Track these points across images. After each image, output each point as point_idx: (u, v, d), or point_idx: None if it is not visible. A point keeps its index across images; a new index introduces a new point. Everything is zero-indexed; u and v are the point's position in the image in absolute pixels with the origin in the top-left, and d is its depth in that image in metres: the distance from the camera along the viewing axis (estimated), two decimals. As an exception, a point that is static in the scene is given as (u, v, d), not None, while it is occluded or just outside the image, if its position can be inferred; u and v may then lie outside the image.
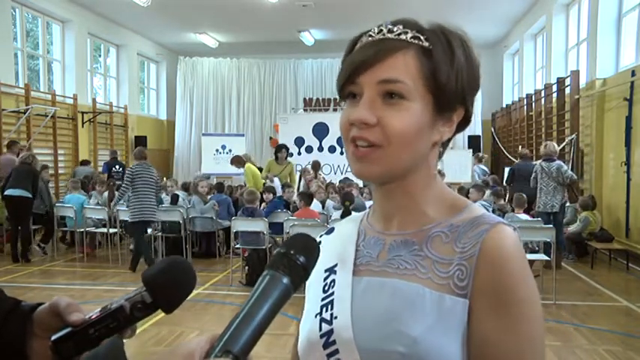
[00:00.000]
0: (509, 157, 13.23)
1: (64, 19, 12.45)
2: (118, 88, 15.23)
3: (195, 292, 6.20)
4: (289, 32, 14.62)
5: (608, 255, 7.84)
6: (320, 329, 0.81)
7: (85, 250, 8.11)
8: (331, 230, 0.96)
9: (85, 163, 11.06)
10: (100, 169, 12.31)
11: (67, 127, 12.26)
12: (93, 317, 0.69)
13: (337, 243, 0.90)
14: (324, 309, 0.82)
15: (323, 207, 7.87)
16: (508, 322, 0.73)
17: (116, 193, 8.18)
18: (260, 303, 0.62)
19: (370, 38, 0.80)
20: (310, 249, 0.68)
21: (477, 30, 13.70)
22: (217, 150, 15.02)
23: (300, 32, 14.76)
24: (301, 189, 8.99)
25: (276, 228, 6.60)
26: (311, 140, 13.48)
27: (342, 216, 6.23)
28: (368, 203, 7.29)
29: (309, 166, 10.14)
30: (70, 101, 12.27)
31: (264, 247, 6.40)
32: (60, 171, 11.63)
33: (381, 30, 0.79)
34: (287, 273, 0.65)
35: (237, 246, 6.74)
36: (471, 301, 0.74)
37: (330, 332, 0.80)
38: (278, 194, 8.13)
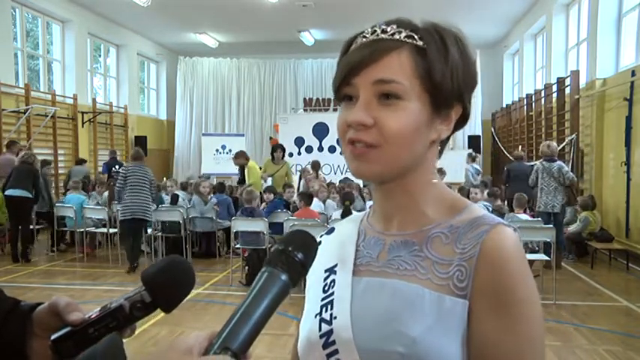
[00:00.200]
0: (510, 157, 13.22)
1: (64, 19, 12.45)
2: (118, 88, 15.23)
3: (195, 292, 6.21)
4: (289, 32, 14.63)
5: (608, 255, 7.84)
6: (320, 329, 0.81)
7: (85, 250, 8.11)
8: (331, 230, 0.96)
9: (80, 162, 10.92)
10: (100, 169, 12.32)
11: (67, 127, 12.26)
12: (92, 317, 0.69)
13: (337, 243, 0.90)
14: (324, 309, 0.82)
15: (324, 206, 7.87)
16: (508, 323, 0.73)
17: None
18: (258, 300, 0.62)
19: (364, 39, 0.80)
20: (308, 245, 0.68)
21: (477, 30, 13.70)
22: (217, 150, 15.04)
23: (300, 32, 14.77)
24: (301, 189, 8.99)
25: (276, 228, 6.60)
26: (311, 140, 13.48)
27: (343, 216, 6.24)
28: (368, 203, 7.30)
29: (309, 166, 10.14)
30: (70, 101, 12.27)
31: (264, 247, 6.40)
32: (60, 171, 11.63)
33: (375, 30, 0.79)
34: (285, 270, 0.65)
35: (237, 246, 6.74)
36: (470, 302, 0.74)
37: (330, 332, 0.80)
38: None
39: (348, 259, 0.86)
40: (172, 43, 16.75)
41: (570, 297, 5.87)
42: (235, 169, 10.31)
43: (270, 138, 14.96)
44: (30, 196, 7.66)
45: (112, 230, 8.01)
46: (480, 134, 14.87)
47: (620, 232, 8.20)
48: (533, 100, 12.45)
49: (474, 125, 14.72)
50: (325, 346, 0.79)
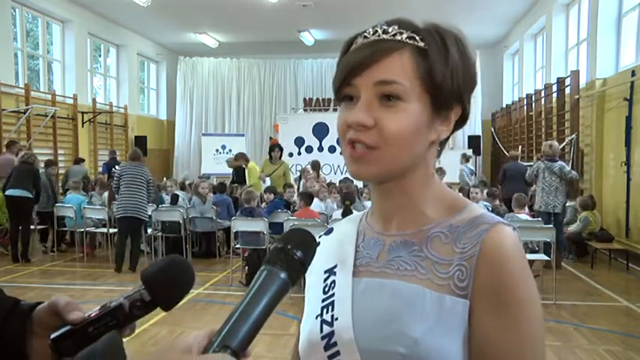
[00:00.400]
0: (511, 152, 13.21)
1: (64, 19, 12.45)
2: (118, 88, 15.23)
3: (195, 292, 6.22)
4: (289, 32, 14.63)
5: (608, 255, 7.84)
6: (321, 331, 0.81)
7: (85, 250, 8.11)
8: (330, 231, 0.96)
9: (78, 161, 10.84)
10: (100, 169, 12.32)
11: (67, 127, 12.26)
12: (92, 315, 0.69)
13: (336, 244, 0.90)
14: (325, 310, 0.82)
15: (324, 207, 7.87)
16: (508, 322, 0.73)
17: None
18: (258, 298, 0.62)
19: (365, 39, 0.79)
20: (307, 244, 0.68)
21: (477, 30, 13.71)
22: (217, 150, 15.06)
23: (300, 32, 14.77)
24: (301, 189, 8.99)
25: (276, 228, 6.60)
26: (311, 140, 13.49)
27: (343, 216, 6.24)
28: (367, 203, 7.30)
29: (309, 166, 10.14)
30: (70, 101, 12.27)
31: (264, 247, 6.40)
32: (60, 171, 11.62)
33: (376, 31, 0.79)
34: (284, 268, 0.64)
35: (237, 246, 6.75)
36: (471, 302, 0.74)
37: (331, 334, 0.80)
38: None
39: (348, 260, 0.86)
40: (172, 43, 16.75)
41: (570, 297, 5.87)
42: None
43: (270, 138, 14.97)
44: (30, 196, 7.65)
45: (112, 230, 8.00)
46: (480, 134, 14.88)
47: (620, 232, 8.20)
48: (533, 100, 12.45)
49: (474, 125, 14.73)
50: (327, 347, 0.80)
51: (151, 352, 0.63)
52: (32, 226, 8.44)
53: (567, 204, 7.88)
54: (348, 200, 6.66)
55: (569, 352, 4.25)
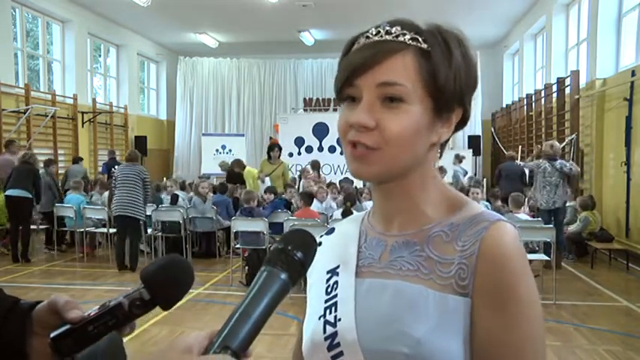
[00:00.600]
0: (508, 152, 13.23)
1: (64, 19, 12.46)
2: (118, 88, 15.23)
3: (195, 292, 6.22)
4: (289, 32, 14.63)
5: (608, 255, 7.84)
6: (324, 331, 0.81)
7: (85, 250, 8.11)
8: (331, 230, 0.96)
9: (77, 160, 10.78)
10: (100, 169, 12.32)
11: (67, 127, 12.27)
12: (92, 314, 0.69)
13: (338, 244, 0.90)
14: (328, 311, 0.82)
15: (323, 207, 7.87)
16: (508, 320, 0.73)
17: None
18: (258, 299, 0.62)
19: (368, 39, 0.79)
20: (308, 245, 0.68)
21: (477, 30, 13.71)
22: (217, 150, 15.06)
23: (300, 32, 14.77)
24: (301, 189, 8.98)
25: (277, 228, 6.60)
26: (311, 140, 13.49)
27: (343, 216, 6.24)
28: (367, 204, 7.31)
29: (309, 166, 10.14)
30: (70, 101, 12.27)
31: (264, 247, 6.40)
32: (60, 171, 11.62)
33: (379, 31, 0.78)
34: (285, 269, 0.65)
35: (237, 246, 6.75)
36: (472, 300, 0.74)
37: (335, 334, 0.80)
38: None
39: (351, 261, 0.86)
40: (172, 43, 16.76)
41: (570, 297, 5.87)
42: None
43: (270, 138, 14.97)
44: (30, 196, 7.65)
45: (111, 230, 8.01)
46: (480, 134, 14.88)
47: (620, 232, 8.20)
48: (533, 100, 12.45)
49: (474, 125, 14.73)
50: (330, 348, 0.80)
51: (151, 353, 0.63)
52: (34, 227, 8.45)
53: (567, 204, 7.90)
54: (349, 201, 6.66)
55: (569, 352, 4.25)
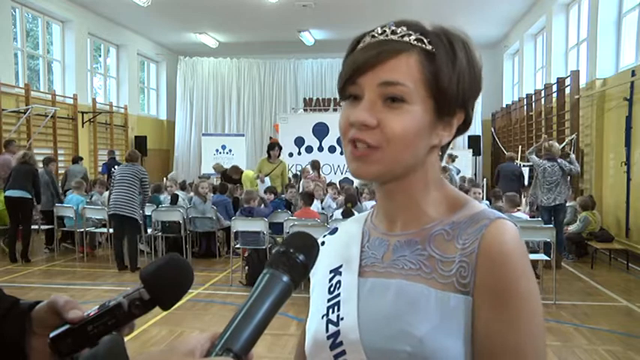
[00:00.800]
0: (509, 152, 13.24)
1: (64, 19, 12.46)
2: (118, 88, 15.24)
3: (195, 292, 6.21)
4: (289, 32, 14.63)
5: (608, 255, 7.84)
6: (327, 330, 0.81)
7: (85, 250, 8.11)
8: (335, 230, 0.96)
9: (77, 160, 10.76)
10: (100, 169, 12.32)
11: (67, 127, 12.27)
12: (91, 314, 0.69)
13: (342, 244, 0.90)
14: (331, 310, 0.83)
15: (322, 207, 7.87)
16: (508, 317, 0.73)
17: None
18: (260, 301, 0.62)
19: (373, 39, 0.79)
20: (310, 247, 0.68)
21: (477, 30, 13.71)
22: (217, 150, 15.06)
23: (300, 32, 14.77)
24: (301, 189, 8.98)
25: (277, 228, 6.61)
26: (311, 140, 13.49)
27: (343, 216, 6.24)
28: (367, 204, 7.30)
29: (309, 166, 10.13)
30: (70, 101, 12.28)
31: (264, 247, 6.40)
32: (60, 171, 11.63)
33: (385, 31, 0.78)
34: (287, 271, 0.65)
35: (237, 246, 6.75)
36: (473, 297, 0.74)
37: (337, 333, 0.80)
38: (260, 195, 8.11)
39: (354, 260, 0.86)
40: (172, 43, 16.76)
41: (570, 297, 5.87)
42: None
43: (270, 138, 14.98)
44: (29, 196, 7.65)
45: (111, 230, 8.00)
46: (480, 134, 14.87)
47: (620, 232, 8.20)
48: (533, 100, 12.45)
49: (474, 125, 14.53)
50: (333, 347, 0.80)
51: (153, 355, 0.63)
52: (36, 227, 8.48)
53: (567, 204, 7.90)
54: (349, 202, 6.66)
55: (569, 352, 4.25)
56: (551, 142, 7.91)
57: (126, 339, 0.70)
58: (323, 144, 13.43)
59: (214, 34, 15.54)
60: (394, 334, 0.75)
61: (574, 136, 9.66)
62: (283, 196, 8.52)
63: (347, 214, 6.16)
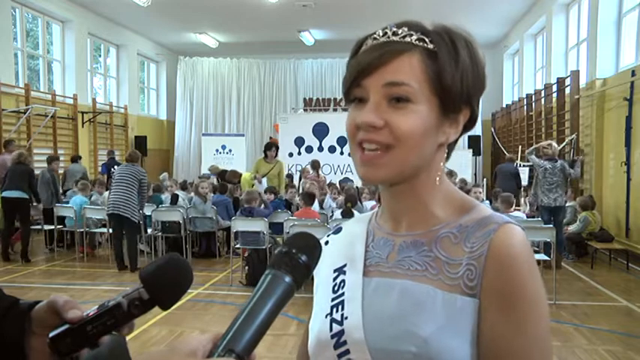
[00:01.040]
0: (509, 154, 13.25)
1: (64, 19, 12.46)
2: (118, 88, 15.23)
3: (195, 292, 6.20)
4: (289, 32, 14.63)
5: (608, 255, 7.84)
6: (331, 329, 0.81)
7: (85, 250, 8.11)
8: (339, 230, 0.96)
9: (75, 159, 10.72)
10: (100, 169, 12.32)
11: (67, 127, 12.27)
12: (90, 314, 0.69)
13: (346, 243, 0.91)
14: (335, 309, 0.83)
15: (321, 206, 7.87)
16: (515, 320, 0.73)
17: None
18: (262, 302, 0.62)
19: (375, 41, 0.79)
20: (312, 247, 0.68)
21: (476, 30, 13.59)
22: (217, 150, 15.06)
23: (300, 32, 14.77)
24: (301, 189, 8.98)
25: (277, 228, 6.60)
26: (311, 140, 13.48)
27: (343, 216, 6.24)
28: (367, 204, 7.31)
29: (309, 166, 10.13)
30: (70, 101, 12.28)
31: (264, 247, 6.40)
32: (60, 171, 11.62)
33: (386, 32, 0.79)
34: (289, 272, 0.65)
35: (237, 246, 6.74)
36: (480, 300, 0.75)
37: (341, 333, 0.80)
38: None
39: (358, 260, 0.86)
40: (172, 43, 16.76)
41: (570, 297, 5.87)
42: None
43: (270, 138, 14.98)
44: (26, 196, 7.66)
45: (111, 230, 8.00)
46: (480, 134, 14.86)
47: (620, 232, 8.20)
48: (533, 100, 12.45)
49: (474, 125, 14.69)
50: (337, 346, 0.80)
51: (154, 355, 0.63)
52: (38, 227, 8.51)
53: (567, 204, 7.91)
54: (349, 202, 6.66)
55: (569, 352, 4.25)
56: (549, 142, 7.91)
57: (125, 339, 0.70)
58: (323, 144, 13.43)
59: (214, 34, 15.54)
60: (399, 334, 0.75)
61: (574, 136, 9.65)
62: (281, 194, 8.52)
63: (347, 214, 6.17)
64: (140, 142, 14.46)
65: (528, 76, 14.01)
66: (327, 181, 9.87)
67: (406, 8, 11.26)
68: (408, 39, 0.78)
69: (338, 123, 12.97)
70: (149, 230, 7.96)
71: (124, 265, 7.27)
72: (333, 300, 0.84)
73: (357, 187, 8.37)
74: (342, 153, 13.05)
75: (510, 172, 10.23)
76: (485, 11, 12.79)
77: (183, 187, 9.82)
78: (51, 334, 0.70)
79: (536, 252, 6.34)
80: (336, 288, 0.85)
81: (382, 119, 0.76)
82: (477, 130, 14.81)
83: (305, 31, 14.81)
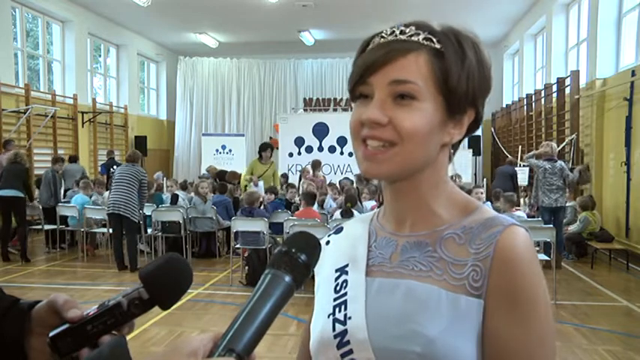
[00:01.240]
0: (510, 157, 13.24)
1: (64, 19, 12.46)
2: (118, 88, 15.23)
3: (195, 292, 6.21)
4: (289, 32, 14.63)
5: (608, 255, 7.85)
6: (333, 329, 0.81)
7: (86, 249, 8.11)
8: (340, 229, 0.96)
9: (73, 159, 10.72)
10: (99, 169, 12.31)
11: (67, 127, 12.27)
12: (90, 314, 0.69)
13: (347, 243, 0.90)
14: (337, 309, 0.83)
15: (321, 206, 7.86)
16: (519, 321, 0.74)
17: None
18: (262, 302, 0.62)
19: (382, 39, 0.80)
20: (311, 247, 0.68)
21: (477, 30, 12.91)
22: (217, 150, 15.07)
23: (300, 32, 14.77)
24: (301, 189, 8.98)
25: (277, 228, 6.61)
26: (311, 140, 13.48)
27: (343, 216, 6.24)
28: (367, 204, 7.30)
29: (309, 166, 10.13)
30: (70, 101, 12.27)
31: (264, 247, 6.40)
32: (60, 171, 11.62)
33: (393, 31, 0.79)
34: (289, 271, 0.65)
35: (237, 246, 6.75)
36: (485, 301, 0.75)
37: (344, 332, 0.80)
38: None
39: (361, 260, 0.86)
40: (172, 43, 16.75)
41: (570, 297, 5.87)
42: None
43: (270, 138, 14.98)
44: (22, 195, 7.68)
45: (111, 230, 8.00)
46: (480, 134, 14.86)
47: (620, 232, 8.20)
48: (533, 100, 12.44)
49: (474, 125, 14.70)
50: (340, 346, 0.80)
51: (155, 356, 0.63)
52: (39, 226, 8.50)
53: (567, 204, 7.91)
54: (349, 202, 6.66)
55: (569, 352, 4.25)
56: (548, 142, 7.91)
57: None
58: (323, 144, 13.43)
59: (214, 34, 15.54)
60: (403, 334, 0.75)
61: (574, 136, 9.65)
62: (282, 193, 8.52)
63: (347, 214, 6.16)
64: (140, 142, 14.45)
65: (528, 76, 14.00)
66: (327, 181, 9.86)
67: (406, 8, 11.26)
68: (415, 38, 0.78)
69: (338, 123, 12.98)
70: (149, 230, 7.96)
71: (124, 265, 7.27)
72: (335, 300, 0.84)
73: (357, 188, 8.37)
74: (342, 153, 13.06)
75: (508, 172, 10.43)
76: (486, 11, 12.79)
77: (183, 187, 9.81)
78: (51, 334, 0.70)
79: (537, 252, 6.35)
80: (338, 288, 0.85)
81: (387, 116, 0.77)
82: (477, 130, 14.81)
83: (305, 31, 14.80)
